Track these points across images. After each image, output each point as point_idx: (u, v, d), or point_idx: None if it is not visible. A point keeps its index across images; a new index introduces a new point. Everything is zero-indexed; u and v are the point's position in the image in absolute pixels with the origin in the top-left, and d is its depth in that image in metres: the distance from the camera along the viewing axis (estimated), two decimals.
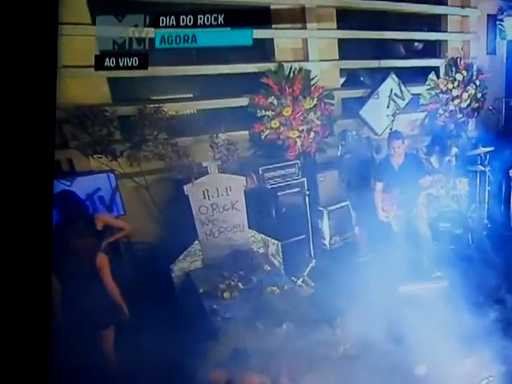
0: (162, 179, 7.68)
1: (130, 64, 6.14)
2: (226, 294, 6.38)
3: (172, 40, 6.17)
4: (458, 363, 5.66)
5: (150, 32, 6.09)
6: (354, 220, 8.96)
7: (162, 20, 6.02)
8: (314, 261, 8.11)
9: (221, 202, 7.21)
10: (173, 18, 6.05)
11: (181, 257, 7.10)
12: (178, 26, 6.09)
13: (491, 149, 9.68)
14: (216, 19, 6.16)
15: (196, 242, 7.18)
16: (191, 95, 8.76)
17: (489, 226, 9.88)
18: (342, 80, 10.32)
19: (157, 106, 7.57)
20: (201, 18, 6.11)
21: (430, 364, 5.26)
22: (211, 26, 6.17)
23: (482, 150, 9.65)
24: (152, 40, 6.12)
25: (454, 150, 9.99)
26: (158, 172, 7.72)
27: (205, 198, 7.08)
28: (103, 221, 5.90)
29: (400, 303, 6.90)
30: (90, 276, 5.52)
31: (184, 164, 7.36)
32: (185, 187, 6.92)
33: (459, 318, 6.46)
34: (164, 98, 8.24)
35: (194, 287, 6.69)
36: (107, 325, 5.68)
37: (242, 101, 8.58)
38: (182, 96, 8.68)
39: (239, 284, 6.58)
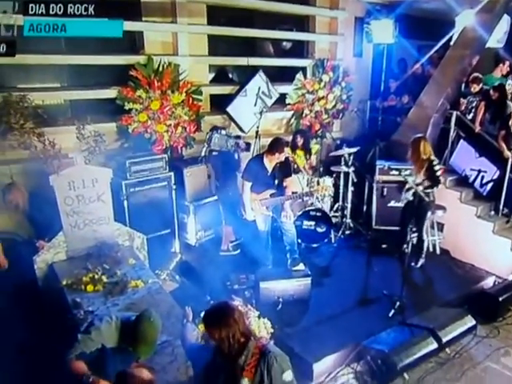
0: (27, 169, 7.70)
1: None
2: (89, 287, 6.43)
3: (41, 28, 6.37)
4: None
5: (19, 19, 6.27)
6: (221, 216, 9.32)
7: (32, 7, 6.22)
8: (179, 255, 8.34)
9: (87, 193, 7.32)
10: (42, 6, 6.25)
11: (44, 248, 7.16)
12: (47, 14, 6.29)
13: (355, 150, 10.18)
14: (86, 9, 6.47)
15: (60, 233, 7.25)
16: (58, 85, 8.94)
17: (351, 225, 10.50)
18: (211, 76, 10.82)
19: (22, 94, 7.66)
20: (71, 8, 6.39)
21: None
22: (81, 15, 6.46)
23: (346, 150, 10.07)
24: (20, 27, 6.30)
25: (316, 148, 10.65)
26: (24, 161, 7.77)
27: (70, 189, 7.15)
28: None
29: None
30: None
31: (50, 154, 7.52)
32: (50, 178, 6.96)
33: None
34: (30, 86, 8.31)
35: (56, 279, 6.73)
36: None
37: (110, 93, 8.80)
38: (48, 85, 8.82)
39: (103, 277, 6.64)
